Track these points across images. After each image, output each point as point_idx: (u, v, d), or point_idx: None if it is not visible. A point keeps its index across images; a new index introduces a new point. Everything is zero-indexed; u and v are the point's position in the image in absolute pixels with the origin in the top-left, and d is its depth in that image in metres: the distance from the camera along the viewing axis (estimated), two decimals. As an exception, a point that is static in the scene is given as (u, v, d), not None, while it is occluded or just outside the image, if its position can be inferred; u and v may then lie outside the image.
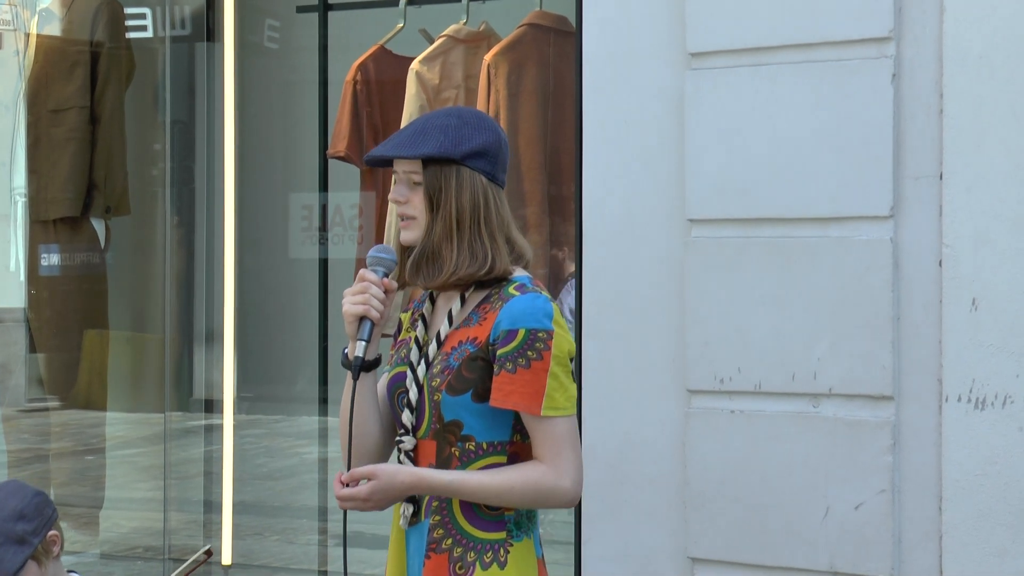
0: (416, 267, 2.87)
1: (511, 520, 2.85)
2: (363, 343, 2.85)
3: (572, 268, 4.94)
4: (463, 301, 2.90)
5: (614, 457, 4.11)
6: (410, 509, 2.89)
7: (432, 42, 5.43)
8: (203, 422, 6.83)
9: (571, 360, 2.85)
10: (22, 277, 6.59)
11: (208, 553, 3.79)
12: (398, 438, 2.91)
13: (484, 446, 2.84)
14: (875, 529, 3.75)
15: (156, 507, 6.48)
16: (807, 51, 3.87)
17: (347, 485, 2.82)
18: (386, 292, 2.89)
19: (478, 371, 2.82)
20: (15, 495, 3.45)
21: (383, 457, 2.99)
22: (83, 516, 6.77)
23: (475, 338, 2.84)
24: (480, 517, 2.85)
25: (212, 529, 6.20)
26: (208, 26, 6.57)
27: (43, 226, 6.47)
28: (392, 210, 4.80)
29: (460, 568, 2.82)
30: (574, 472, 2.82)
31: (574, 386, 2.86)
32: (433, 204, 2.85)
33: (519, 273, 2.91)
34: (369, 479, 2.80)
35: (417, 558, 2.87)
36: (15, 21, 6.57)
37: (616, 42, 4.15)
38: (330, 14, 6.03)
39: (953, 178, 3.69)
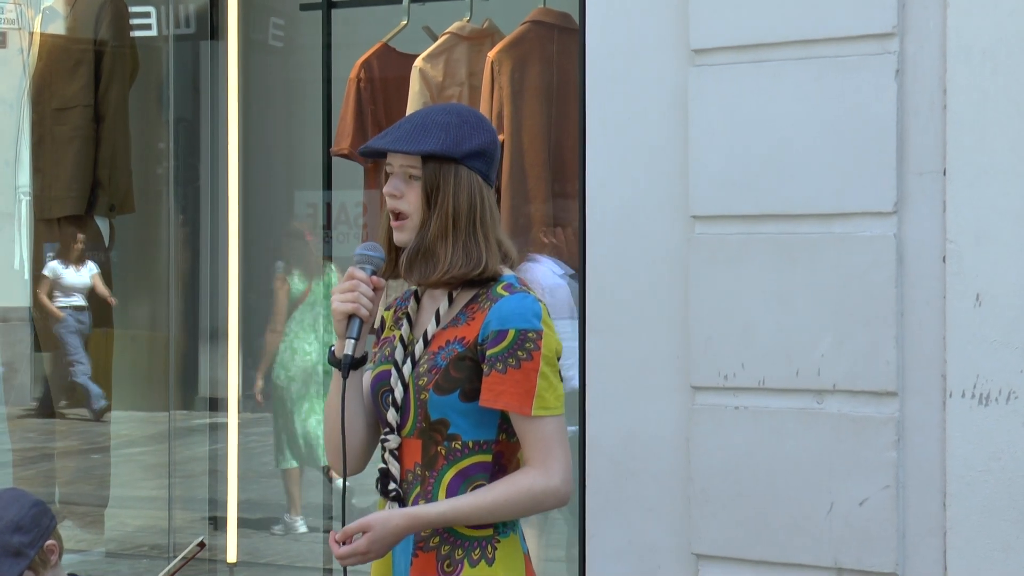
0: (410, 264, 2.85)
1: None
2: (352, 341, 2.83)
3: (575, 264, 4.93)
4: (451, 300, 2.89)
5: (618, 453, 4.10)
6: (396, 508, 2.86)
7: (436, 39, 5.43)
8: (208, 420, 6.83)
9: (558, 359, 2.85)
10: (27, 276, 6.60)
11: (201, 544, 3.77)
12: (383, 436, 2.88)
13: (470, 445, 2.83)
14: (879, 525, 3.75)
15: (161, 505, 6.49)
16: (810, 47, 3.87)
17: (343, 543, 2.76)
18: (375, 290, 2.88)
19: (466, 371, 2.81)
20: (13, 505, 3.39)
21: (368, 454, 2.97)
22: (88, 514, 6.78)
23: (463, 338, 2.83)
24: None
25: (217, 527, 6.21)
26: (212, 24, 6.57)
27: (47, 224, 6.48)
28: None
29: (448, 566, 2.81)
30: (564, 471, 2.81)
31: (562, 385, 2.85)
32: (430, 201, 2.84)
33: (506, 273, 2.89)
34: (364, 532, 2.76)
35: (404, 556, 2.84)
36: (19, 20, 6.58)
37: (619, 39, 4.14)
38: (334, 12, 6.02)
39: (957, 174, 3.69)
